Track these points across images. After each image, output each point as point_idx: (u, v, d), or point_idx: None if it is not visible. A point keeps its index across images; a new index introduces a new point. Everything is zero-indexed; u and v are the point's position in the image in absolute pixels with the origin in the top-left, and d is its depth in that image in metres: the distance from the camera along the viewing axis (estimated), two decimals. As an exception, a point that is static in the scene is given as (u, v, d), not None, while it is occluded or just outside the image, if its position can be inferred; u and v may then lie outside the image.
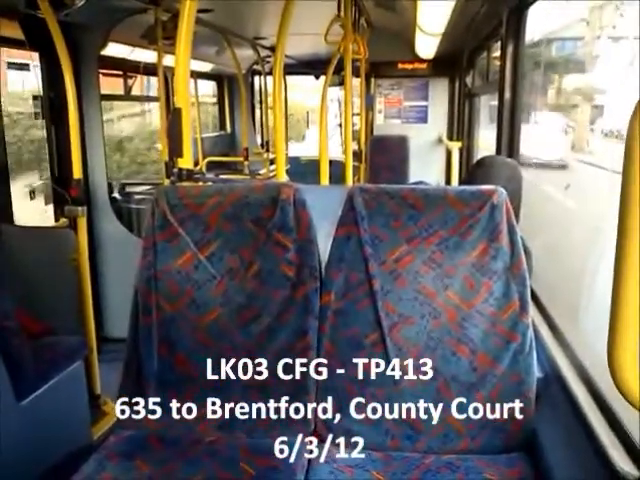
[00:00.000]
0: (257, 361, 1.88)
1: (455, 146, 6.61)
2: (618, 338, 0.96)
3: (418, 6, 4.05)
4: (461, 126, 6.81)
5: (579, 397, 1.55)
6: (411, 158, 7.62)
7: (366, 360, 1.82)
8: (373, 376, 1.82)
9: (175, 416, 1.89)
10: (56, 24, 2.77)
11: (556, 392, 1.70)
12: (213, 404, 1.89)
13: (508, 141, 3.26)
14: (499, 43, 3.65)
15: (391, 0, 4.92)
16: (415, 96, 7.90)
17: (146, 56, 5.12)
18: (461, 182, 5.61)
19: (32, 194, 3.63)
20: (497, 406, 1.76)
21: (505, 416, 1.75)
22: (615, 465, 1.22)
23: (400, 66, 7.68)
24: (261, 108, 8.38)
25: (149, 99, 6.38)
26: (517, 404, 1.75)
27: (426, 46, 6.22)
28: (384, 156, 7.30)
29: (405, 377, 1.80)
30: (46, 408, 2.10)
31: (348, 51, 4.34)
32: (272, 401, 1.87)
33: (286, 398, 1.86)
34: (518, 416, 1.75)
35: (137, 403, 1.91)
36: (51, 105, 3.53)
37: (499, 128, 3.38)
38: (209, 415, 1.88)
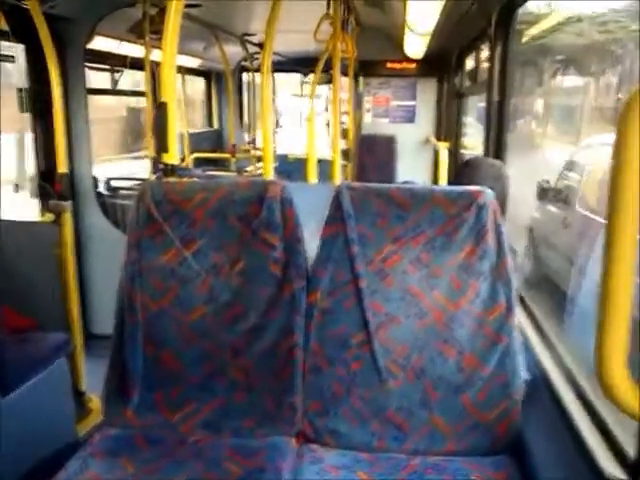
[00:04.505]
0: (243, 360, 1.87)
1: (443, 146, 6.63)
2: (606, 343, 0.96)
3: (407, 5, 4.05)
4: (449, 126, 6.83)
5: (565, 399, 1.56)
6: (399, 158, 7.64)
7: (353, 360, 1.82)
8: (359, 376, 1.81)
9: (160, 415, 1.88)
10: (41, 16, 2.74)
11: (542, 394, 1.70)
12: (198, 403, 1.88)
13: (495, 142, 3.26)
14: (488, 44, 3.66)
15: None
16: (403, 96, 7.92)
17: (133, 50, 5.09)
18: (449, 183, 5.63)
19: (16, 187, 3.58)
20: (483, 407, 1.76)
21: (491, 418, 1.75)
22: (601, 467, 1.23)
23: (389, 65, 7.69)
24: (249, 105, 8.35)
25: (136, 94, 6.32)
26: (503, 406, 1.75)
27: (415, 46, 6.23)
28: (372, 155, 7.32)
29: (391, 377, 1.80)
30: (30, 404, 2.07)
31: (337, 49, 4.34)
32: (258, 401, 1.86)
33: (272, 398, 1.85)
34: (504, 418, 1.75)
35: (122, 401, 1.89)
36: (36, 98, 3.48)
37: (487, 129, 3.39)
38: (194, 414, 1.87)
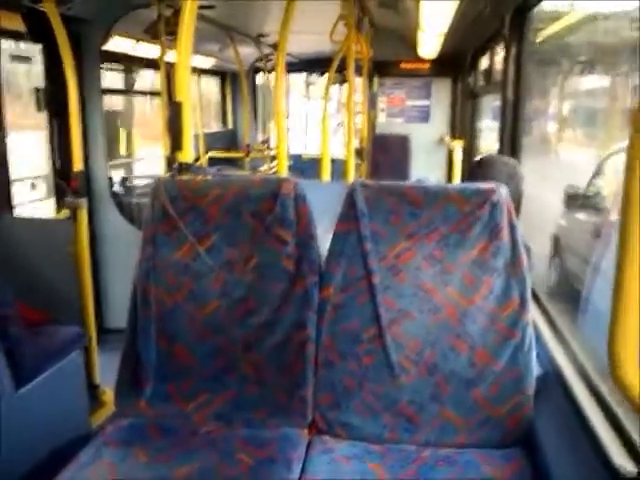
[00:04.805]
0: (255, 354, 1.89)
1: (457, 145, 6.62)
2: (619, 338, 0.96)
3: (421, 6, 4.05)
4: (463, 126, 6.82)
5: (578, 394, 1.55)
6: (413, 157, 7.64)
7: (364, 354, 1.83)
8: (371, 370, 1.82)
9: (173, 405, 1.90)
10: (58, 17, 2.77)
11: (555, 389, 1.70)
12: (211, 394, 1.90)
13: (510, 141, 3.26)
14: (502, 44, 3.65)
15: (394, 0, 4.92)
16: (417, 95, 7.92)
17: (149, 51, 5.14)
18: (462, 181, 5.61)
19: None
20: (495, 401, 1.76)
21: (503, 411, 1.75)
22: (613, 461, 1.22)
23: (403, 66, 7.69)
24: (263, 105, 8.39)
25: (151, 94, 6.37)
26: (515, 400, 1.75)
27: (429, 46, 6.23)
28: (386, 155, 7.32)
29: (403, 372, 1.80)
30: (44, 396, 2.10)
31: (351, 50, 4.35)
32: (269, 394, 1.87)
33: (283, 391, 1.86)
34: (516, 412, 1.75)
35: (135, 392, 1.92)
36: (52, 98, 3.53)
37: (502, 128, 3.39)
38: (207, 405, 1.89)
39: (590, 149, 6.31)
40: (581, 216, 5.10)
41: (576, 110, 6.76)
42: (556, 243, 5.49)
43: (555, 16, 4.97)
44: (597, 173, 5.27)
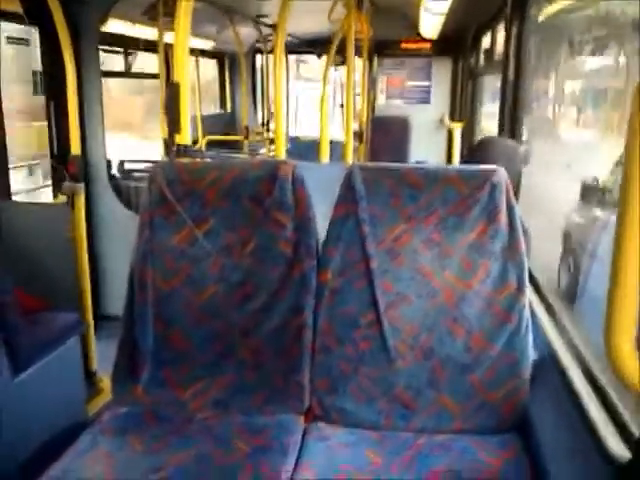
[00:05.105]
0: (252, 339, 1.88)
1: (457, 127, 6.57)
2: (615, 323, 0.96)
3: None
4: (464, 107, 6.77)
5: (573, 379, 1.55)
6: (412, 139, 7.59)
7: (361, 339, 1.82)
8: (368, 355, 1.82)
9: (169, 392, 1.90)
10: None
11: (551, 374, 1.70)
12: (208, 381, 1.90)
13: (510, 122, 3.23)
14: (504, 23, 3.61)
15: None
16: (418, 76, 7.83)
17: (147, 32, 5.09)
18: (461, 162, 5.57)
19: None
20: (491, 386, 1.76)
21: (499, 396, 1.76)
22: (607, 447, 1.22)
23: (403, 45, 7.60)
24: (262, 87, 8.33)
25: (150, 76, 6.32)
26: (511, 385, 1.75)
27: (430, 25, 6.16)
28: (385, 137, 7.27)
29: (400, 357, 1.80)
30: (41, 383, 2.10)
31: (351, 30, 4.31)
32: (267, 379, 1.88)
33: (281, 376, 1.87)
34: (512, 397, 1.75)
35: (131, 378, 1.92)
36: (50, 81, 3.50)
37: (502, 109, 3.36)
38: (204, 391, 1.89)
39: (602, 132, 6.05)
40: (599, 212, 4.58)
41: (585, 90, 6.52)
42: (568, 241, 5.08)
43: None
44: (621, 162, 4.86)
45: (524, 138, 3.30)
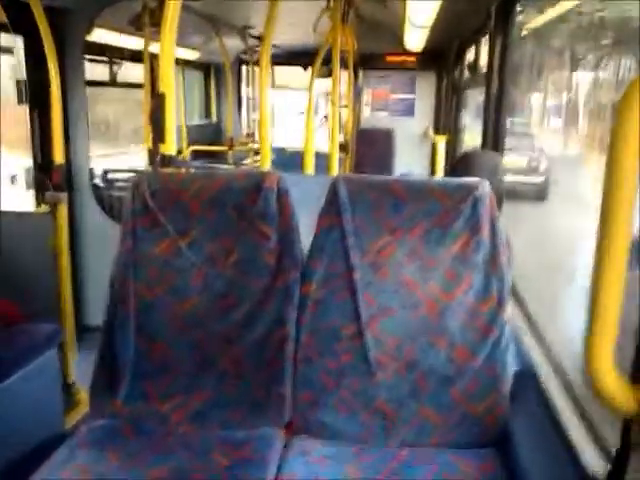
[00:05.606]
0: (234, 350, 1.87)
1: (441, 140, 6.63)
2: (594, 339, 0.96)
3: (407, -2, 4.04)
4: (447, 120, 6.82)
5: (553, 393, 1.56)
6: (397, 151, 7.65)
7: (343, 351, 1.82)
8: (350, 368, 1.81)
9: (148, 405, 1.88)
10: (40, 8, 2.73)
11: (531, 388, 1.70)
12: (187, 394, 1.88)
13: (493, 135, 3.26)
14: (487, 37, 3.65)
15: None
16: (402, 89, 7.91)
17: (132, 42, 5.08)
18: (445, 175, 5.60)
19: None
20: (472, 399, 1.76)
21: (480, 410, 1.75)
22: (584, 462, 1.23)
23: (388, 59, 7.68)
24: (248, 98, 8.34)
25: (134, 86, 6.30)
26: (492, 398, 1.75)
27: (415, 39, 6.21)
28: (370, 149, 7.32)
29: (381, 370, 1.80)
30: (19, 395, 2.07)
31: (336, 43, 4.33)
32: (248, 391, 1.86)
33: (262, 388, 1.85)
34: (493, 410, 1.75)
35: (110, 391, 1.89)
36: (34, 89, 3.48)
37: (485, 122, 3.39)
38: (183, 405, 1.87)
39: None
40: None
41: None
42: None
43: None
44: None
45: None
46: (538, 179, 9.17)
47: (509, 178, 7.72)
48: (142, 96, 4.93)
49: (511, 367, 1.78)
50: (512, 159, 8.48)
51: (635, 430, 1.04)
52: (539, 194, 9.11)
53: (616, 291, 0.93)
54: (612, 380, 0.96)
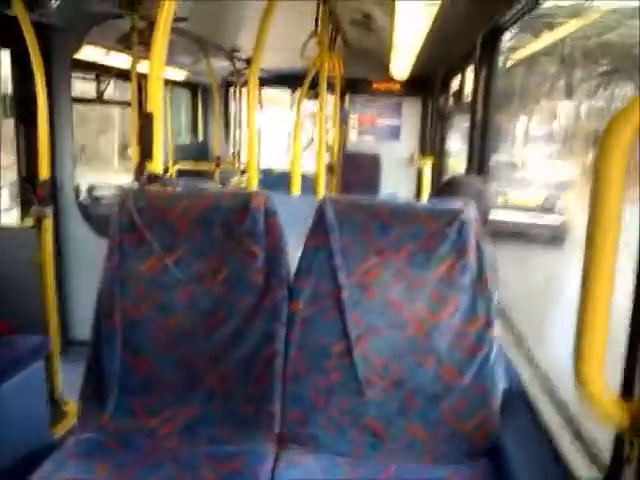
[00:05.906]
0: (221, 367, 1.87)
1: (427, 164, 6.70)
2: (584, 353, 0.97)
3: (394, 27, 4.10)
4: (433, 145, 6.90)
5: (542, 408, 1.58)
6: (383, 175, 7.71)
7: (332, 369, 1.82)
8: (338, 386, 1.82)
9: (136, 419, 1.86)
10: (29, 24, 2.73)
11: (520, 403, 1.72)
12: (175, 409, 1.87)
13: (478, 161, 3.31)
14: (473, 66, 3.71)
15: (367, 19, 4.98)
16: (388, 114, 8.00)
17: (121, 61, 5.10)
18: (430, 199, 5.65)
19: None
20: (462, 416, 1.77)
21: (469, 426, 1.77)
22: (576, 474, 1.24)
23: (375, 86, 7.77)
24: (234, 119, 8.39)
25: (121, 104, 6.32)
26: (481, 414, 1.76)
27: (401, 66, 6.30)
28: (357, 172, 7.38)
29: (370, 388, 1.80)
30: (5, 406, 2.05)
31: (323, 68, 4.38)
32: (236, 408, 1.86)
33: (251, 405, 1.85)
34: (482, 426, 1.76)
35: (98, 405, 1.88)
36: (21, 104, 3.47)
37: (470, 148, 3.44)
38: (171, 420, 1.86)
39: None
40: None
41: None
42: None
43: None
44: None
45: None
46: (554, 220, 7.68)
47: (518, 217, 7.37)
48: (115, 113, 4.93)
49: (501, 384, 1.79)
50: (522, 195, 7.87)
51: (627, 443, 1.05)
52: (554, 239, 7.54)
53: (604, 307, 0.95)
54: (603, 396, 0.97)
